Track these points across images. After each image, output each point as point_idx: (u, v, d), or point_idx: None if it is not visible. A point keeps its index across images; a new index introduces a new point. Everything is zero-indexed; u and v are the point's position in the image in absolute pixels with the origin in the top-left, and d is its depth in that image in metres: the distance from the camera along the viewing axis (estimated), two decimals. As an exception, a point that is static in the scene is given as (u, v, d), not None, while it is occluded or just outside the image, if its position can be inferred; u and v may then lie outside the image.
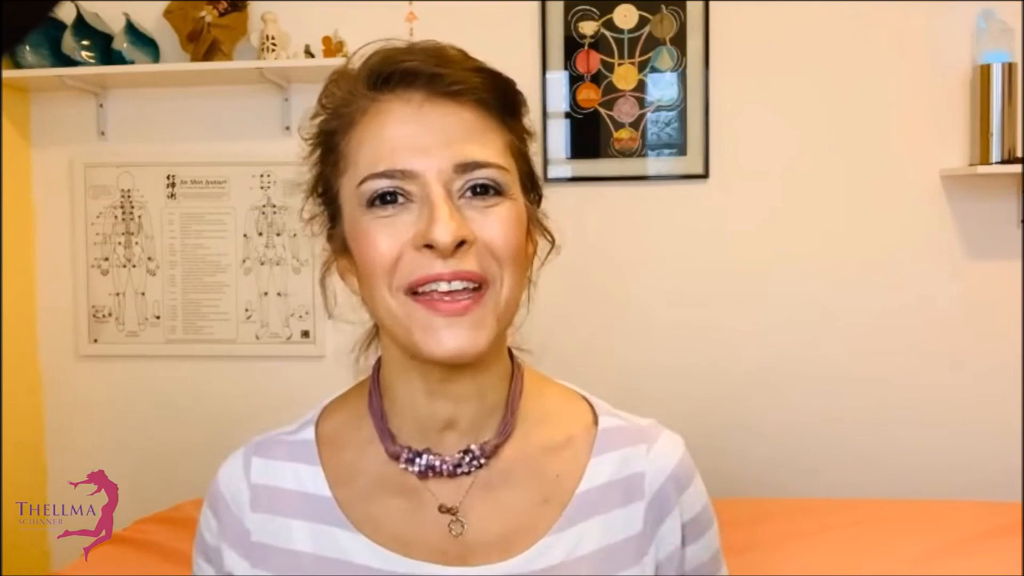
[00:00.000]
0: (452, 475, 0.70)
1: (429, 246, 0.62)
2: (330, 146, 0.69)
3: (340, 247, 0.70)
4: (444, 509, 0.70)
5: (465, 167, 0.64)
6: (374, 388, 0.73)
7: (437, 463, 0.70)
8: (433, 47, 0.66)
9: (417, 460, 0.70)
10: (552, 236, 0.75)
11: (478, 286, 0.64)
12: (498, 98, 0.67)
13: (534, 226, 0.72)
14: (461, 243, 0.62)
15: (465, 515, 0.70)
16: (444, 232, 0.61)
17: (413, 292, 0.64)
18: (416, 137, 0.64)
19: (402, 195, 0.64)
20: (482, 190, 0.64)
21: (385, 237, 0.63)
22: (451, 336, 0.63)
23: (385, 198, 0.64)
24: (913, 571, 1.49)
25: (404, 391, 0.71)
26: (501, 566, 0.68)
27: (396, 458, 0.71)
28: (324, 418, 0.76)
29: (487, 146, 0.65)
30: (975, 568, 1.48)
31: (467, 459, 0.70)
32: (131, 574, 1.52)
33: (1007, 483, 2.00)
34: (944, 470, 2.08)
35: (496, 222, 0.64)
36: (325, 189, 0.70)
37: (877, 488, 2.06)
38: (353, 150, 0.66)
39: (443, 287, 0.63)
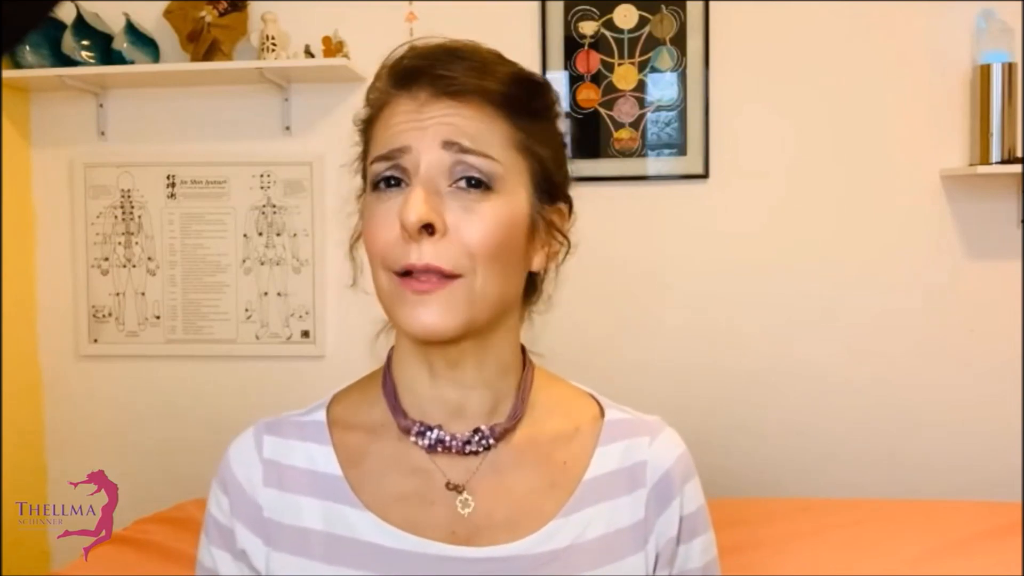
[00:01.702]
0: (461, 452, 0.72)
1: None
2: (365, 135, 0.74)
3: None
4: (451, 486, 0.72)
5: (450, 144, 0.67)
6: (388, 372, 0.76)
7: (447, 438, 0.72)
8: (450, 49, 0.70)
9: (428, 434, 0.72)
10: (567, 240, 0.76)
11: (448, 276, 0.67)
12: (506, 97, 0.69)
13: (542, 228, 0.73)
14: (432, 230, 0.66)
15: (472, 494, 0.72)
16: (410, 213, 0.65)
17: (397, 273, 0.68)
18: (415, 121, 0.68)
19: (400, 177, 0.68)
20: (474, 183, 0.67)
21: (380, 220, 0.68)
22: (423, 313, 0.67)
23: (389, 181, 0.69)
24: (913, 571, 1.49)
25: (411, 375, 0.74)
26: (509, 547, 0.70)
27: (407, 432, 0.73)
28: (334, 403, 0.78)
29: (481, 139, 0.68)
30: (975, 568, 1.48)
31: (476, 438, 0.73)
32: (131, 574, 1.52)
33: (1007, 483, 2.00)
34: (944, 470, 2.08)
35: (477, 220, 0.67)
36: (363, 172, 0.75)
37: (877, 488, 2.06)
38: (373, 138, 0.72)
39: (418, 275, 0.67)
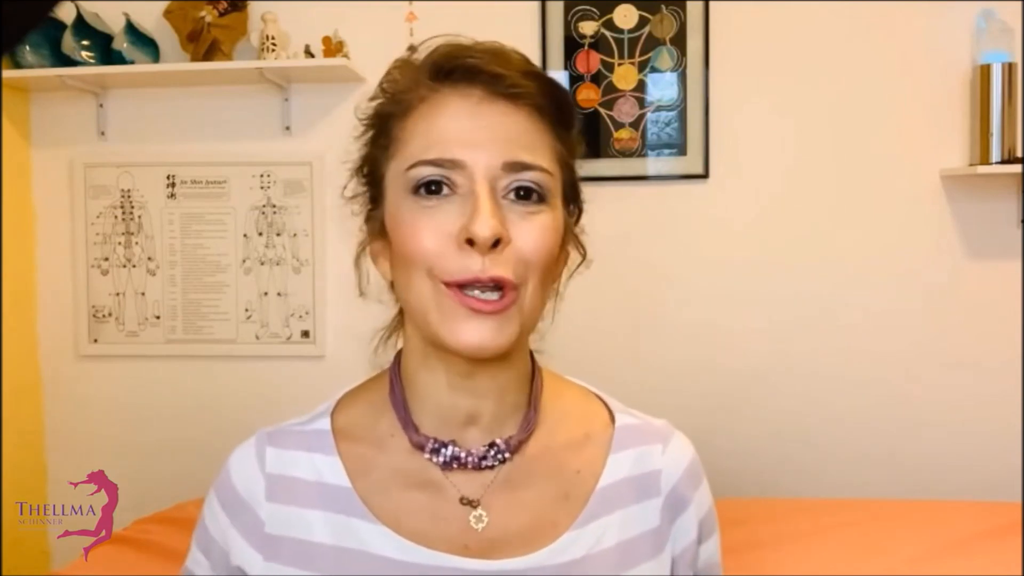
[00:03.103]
0: (477, 468, 0.71)
1: (470, 241, 0.63)
2: (383, 129, 0.70)
3: (377, 229, 0.71)
4: (465, 501, 0.70)
5: (513, 166, 0.65)
6: (395, 380, 0.74)
7: (462, 455, 0.70)
8: (497, 48, 0.68)
9: (442, 451, 0.70)
10: (584, 249, 0.76)
11: (510, 287, 0.65)
12: (552, 106, 0.68)
13: (569, 238, 0.73)
14: (497, 242, 0.63)
15: (487, 508, 0.70)
16: (484, 227, 0.62)
17: (447, 283, 0.65)
18: (470, 131, 0.65)
19: (447, 185, 0.65)
20: (526, 194, 0.66)
21: (427, 229, 0.64)
22: (475, 329, 0.64)
23: (431, 187, 0.65)
24: (913, 571, 1.49)
25: (426, 383, 0.71)
26: (525, 560, 0.69)
27: (421, 448, 0.71)
28: (338, 411, 0.76)
29: (536, 150, 0.67)
30: (975, 568, 1.48)
31: (492, 452, 0.71)
32: (131, 574, 1.52)
33: (1007, 483, 2.00)
34: (944, 470, 2.08)
35: (534, 230, 0.65)
36: (371, 170, 0.72)
37: (877, 488, 2.06)
38: (407, 136, 0.67)
39: (477, 292, 0.64)
